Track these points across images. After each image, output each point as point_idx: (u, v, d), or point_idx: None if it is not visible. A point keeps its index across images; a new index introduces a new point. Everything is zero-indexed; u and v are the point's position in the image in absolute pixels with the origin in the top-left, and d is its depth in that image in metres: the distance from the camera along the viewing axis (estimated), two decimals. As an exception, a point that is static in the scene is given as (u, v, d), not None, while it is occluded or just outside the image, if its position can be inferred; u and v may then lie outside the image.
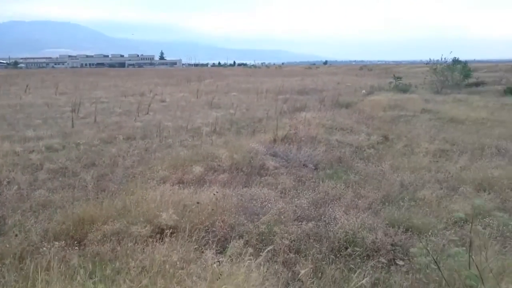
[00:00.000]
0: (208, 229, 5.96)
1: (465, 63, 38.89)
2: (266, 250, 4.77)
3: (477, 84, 34.81)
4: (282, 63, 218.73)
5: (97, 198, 7.23)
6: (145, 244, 5.33)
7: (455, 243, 5.94)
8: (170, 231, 5.54)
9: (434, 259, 2.41)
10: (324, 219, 6.55)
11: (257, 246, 5.52)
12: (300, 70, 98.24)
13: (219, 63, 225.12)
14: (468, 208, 7.29)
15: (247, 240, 5.71)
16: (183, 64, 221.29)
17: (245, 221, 6.31)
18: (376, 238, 5.87)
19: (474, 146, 12.03)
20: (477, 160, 10.55)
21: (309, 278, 4.73)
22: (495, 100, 23.54)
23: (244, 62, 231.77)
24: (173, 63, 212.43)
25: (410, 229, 6.35)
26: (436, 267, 3.69)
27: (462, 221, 6.70)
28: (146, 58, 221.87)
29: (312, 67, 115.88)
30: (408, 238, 6.08)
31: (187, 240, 5.25)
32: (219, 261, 4.52)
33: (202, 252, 5.05)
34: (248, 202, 7.27)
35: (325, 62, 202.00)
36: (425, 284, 4.56)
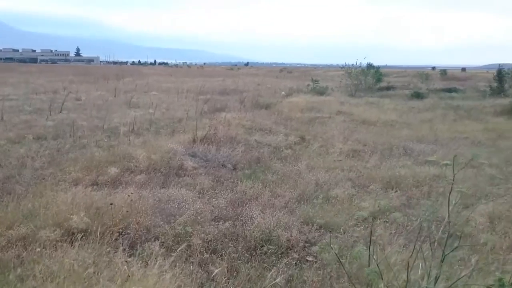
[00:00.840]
0: (122, 232, 5.80)
1: (377, 68, 41.13)
2: (179, 249, 4.73)
3: (388, 88, 36.95)
4: (204, 63, 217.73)
5: (2, 201, 6.76)
6: (54, 248, 5.07)
7: (364, 239, 6.30)
8: (81, 234, 5.32)
9: (336, 255, 2.52)
10: (241, 218, 6.62)
11: (173, 247, 5.46)
12: (221, 70, 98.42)
13: (139, 61, 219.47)
14: (376, 205, 7.73)
15: (163, 242, 5.63)
16: (101, 61, 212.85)
17: (161, 223, 6.22)
18: (291, 236, 6.04)
19: (384, 147, 12.74)
20: (386, 160, 11.20)
21: (224, 277, 4.76)
22: (403, 103, 25.09)
23: (166, 61, 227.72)
24: (90, 60, 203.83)
25: (323, 227, 6.60)
26: (342, 264, 3.86)
27: (370, 218, 7.09)
28: (60, 54, 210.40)
29: (233, 68, 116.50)
30: (321, 235, 6.31)
31: (98, 243, 5.07)
32: (130, 263, 4.41)
33: (114, 255, 4.90)
34: (165, 203, 7.17)
35: (247, 64, 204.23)
36: (336, 279, 4.77)
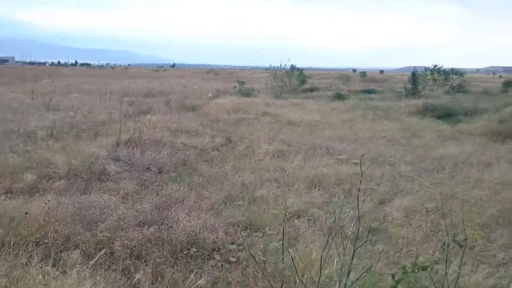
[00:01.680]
0: (38, 242, 5.52)
1: (301, 70, 42.26)
2: (98, 255, 4.59)
3: (311, 90, 38.06)
4: (129, 65, 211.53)
5: None
6: (-39, 263, 4.72)
7: (289, 236, 6.46)
8: (-7, 247, 5.01)
9: (251, 254, 2.58)
10: (167, 222, 6.54)
11: (94, 255, 5.28)
12: (147, 72, 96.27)
13: (58, 62, 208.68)
14: (300, 204, 7.95)
15: (83, 250, 5.43)
16: (16, 62, 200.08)
17: (82, 230, 5.99)
18: (217, 238, 6.06)
19: (308, 147, 13.11)
20: (310, 159, 11.53)
21: (148, 283, 4.68)
22: (326, 104, 25.96)
23: (88, 62, 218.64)
24: (5, 61, 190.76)
25: (248, 227, 6.69)
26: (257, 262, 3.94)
27: (295, 216, 7.29)
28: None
29: (160, 70, 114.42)
30: (247, 235, 6.39)
31: (12, 254, 4.79)
32: (47, 273, 4.22)
33: (30, 266, 4.65)
34: (87, 209, 6.92)
35: (173, 65, 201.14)
36: (262, 278, 4.85)
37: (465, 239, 2.79)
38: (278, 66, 36.57)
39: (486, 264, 5.77)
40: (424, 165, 11.24)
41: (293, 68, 40.06)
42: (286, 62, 37.79)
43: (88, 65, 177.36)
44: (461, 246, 2.67)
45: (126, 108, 19.56)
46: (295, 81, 37.93)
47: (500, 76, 59.42)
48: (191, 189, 8.49)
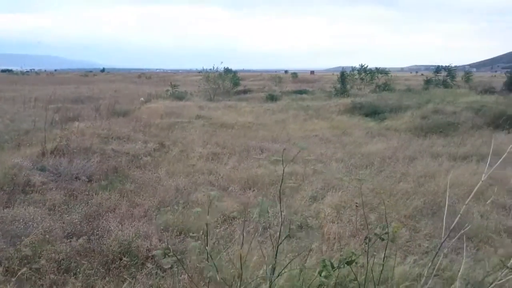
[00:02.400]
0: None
1: (234, 72, 42.43)
2: (20, 272, 4.35)
3: (245, 92, 38.30)
4: (55, 70, 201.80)
5: None
6: None
7: (225, 239, 6.47)
8: None
9: (178, 258, 2.55)
10: (97, 232, 6.32)
11: (19, 272, 5.00)
12: (75, 77, 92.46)
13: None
14: (236, 205, 7.98)
15: (7, 267, 5.12)
16: None
17: (5, 246, 5.65)
18: (151, 245, 5.94)
19: (242, 148, 13.17)
20: (244, 161, 11.59)
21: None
22: (259, 106, 26.21)
23: (9, 68, 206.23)
24: None
25: (183, 232, 6.61)
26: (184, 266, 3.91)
27: (230, 219, 7.30)
28: None
29: (88, 75, 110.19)
30: (182, 240, 6.32)
31: None
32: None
33: None
34: (10, 224, 6.53)
35: (103, 70, 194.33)
36: (190, 283, 4.81)
37: (386, 232, 2.90)
38: (211, 69, 36.48)
39: (413, 254, 6.07)
40: (353, 162, 11.65)
41: (226, 70, 40.14)
42: (219, 64, 37.83)
43: (9, 71, 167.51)
44: (382, 240, 2.78)
45: (52, 116, 18.70)
46: (229, 84, 38.03)
47: (422, 74, 62.89)
48: (123, 197, 8.26)
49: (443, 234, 3.05)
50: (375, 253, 4.88)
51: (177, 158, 11.95)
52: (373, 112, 21.66)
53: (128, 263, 5.44)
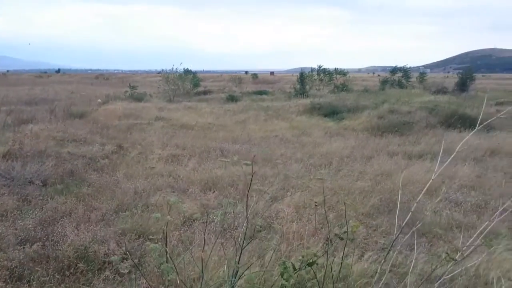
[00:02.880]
0: None
1: (194, 73, 42.20)
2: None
3: (205, 93, 38.15)
4: (8, 71, 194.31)
5: None
6: None
7: (185, 241, 6.42)
8: None
9: (134, 262, 2.53)
10: (52, 238, 6.14)
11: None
12: (29, 78, 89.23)
13: None
14: (195, 208, 7.94)
15: (-45, 278, 4.91)
16: None
17: (-48, 255, 5.41)
18: (109, 249, 5.83)
19: (202, 149, 13.11)
20: (204, 162, 11.55)
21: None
22: (219, 107, 26.15)
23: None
24: None
25: (142, 235, 6.53)
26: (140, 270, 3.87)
27: (190, 221, 7.27)
28: None
29: (43, 76, 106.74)
30: (141, 244, 6.23)
31: None
32: None
33: None
34: (-42, 232, 6.26)
35: (58, 71, 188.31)
36: (157, 285, 4.77)
37: (345, 232, 2.96)
38: (170, 70, 36.10)
39: (370, 251, 6.22)
40: (313, 161, 11.81)
41: (186, 71, 39.84)
42: (178, 65, 37.48)
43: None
44: (341, 239, 2.84)
45: (4, 118, 18.04)
46: (189, 85, 37.77)
47: (379, 75, 64.47)
48: (80, 201, 8.06)
49: (395, 231, 3.15)
50: (335, 252, 4.99)
51: (136, 160, 11.78)
52: (331, 112, 22.03)
53: (85, 268, 5.32)
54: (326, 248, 2.94)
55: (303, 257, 2.83)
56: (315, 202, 7.64)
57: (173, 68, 36.20)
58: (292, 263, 2.73)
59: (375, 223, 7.55)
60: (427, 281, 4.14)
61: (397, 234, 2.97)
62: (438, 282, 3.14)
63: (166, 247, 2.59)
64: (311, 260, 2.81)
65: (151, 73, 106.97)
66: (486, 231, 3.19)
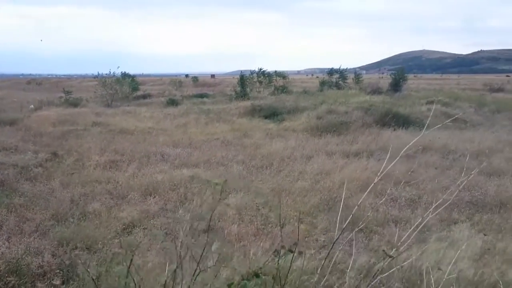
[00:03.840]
0: None
1: (133, 76, 41.27)
2: None
3: (144, 97, 37.35)
4: None
5: None
6: None
7: (125, 248, 6.27)
8: None
9: (66, 273, 2.45)
10: (-19, 252, 5.81)
11: None
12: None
13: None
14: (135, 214, 7.78)
15: None
16: None
17: None
18: (43, 262, 5.59)
19: (141, 155, 12.84)
20: (144, 167, 11.34)
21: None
22: (160, 111, 25.73)
23: None
24: None
25: (79, 245, 6.31)
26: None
27: (130, 227, 7.11)
28: None
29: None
30: (77, 254, 6.02)
31: None
32: None
33: None
34: None
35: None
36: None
37: (295, 243, 2.90)
38: (107, 74, 35.05)
39: (311, 249, 6.34)
40: (254, 163, 11.90)
41: (124, 75, 38.88)
42: (116, 69, 36.49)
43: None
44: (291, 251, 2.81)
45: None
46: (127, 89, 36.89)
47: (317, 77, 65.94)
48: (11, 212, 7.68)
49: (337, 229, 3.22)
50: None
51: (72, 167, 11.37)
52: (272, 114, 22.29)
53: (16, 282, 5.07)
54: (277, 260, 2.88)
55: (249, 268, 2.77)
56: (256, 204, 7.75)
57: (110, 72, 35.22)
58: (242, 275, 2.70)
59: (315, 221, 7.71)
60: (367, 276, 4.30)
61: (339, 233, 3.04)
62: (376, 279, 3.25)
63: (129, 268, 2.49)
64: (259, 272, 2.76)
65: (88, 77, 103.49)
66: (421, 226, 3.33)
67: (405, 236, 3.23)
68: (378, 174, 3.17)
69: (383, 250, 3.13)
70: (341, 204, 3.24)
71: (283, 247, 2.82)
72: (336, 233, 3.16)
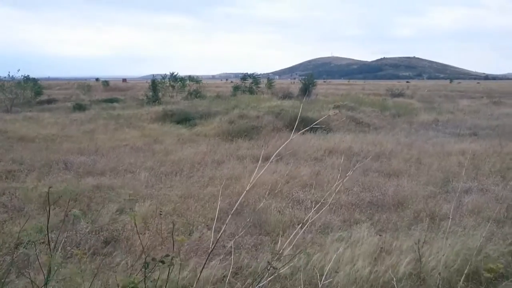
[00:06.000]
0: None
1: (37, 80, 38.89)
2: None
3: (49, 102, 35.33)
4: None
5: None
6: None
7: (18, 265, 5.85)
8: None
9: None
10: None
11: None
12: None
13: None
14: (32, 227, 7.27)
15: None
16: None
17: None
18: None
19: (42, 163, 12.07)
20: (45, 177, 10.67)
21: None
22: (65, 116, 24.44)
23: None
24: None
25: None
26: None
27: (26, 243, 6.63)
28: None
29: None
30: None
31: None
32: None
33: None
34: None
35: None
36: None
37: (167, 255, 2.78)
38: (6, 77, 32.69)
39: (218, 255, 6.30)
40: (164, 169, 11.67)
41: (26, 78, 36.54)
42: (15, 72, 34.18)
43: None
44: (163, 263, 2.71)
45: None
46: (29, 93, 34.68)
47: (231, 82, 66.45)
48: None
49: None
50: (182, 262, 4.95)
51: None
52: (184, 119, 22.07)
53: None
54: (144, 273, 2.76)
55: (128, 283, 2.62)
56: (160, 211, 7.60)
57: (9, 75, 32.89)
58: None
59: (223, 226, 7.68)
60: (273, 280, 4.36)
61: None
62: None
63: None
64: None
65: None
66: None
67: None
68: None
69: (268, 262, 3.18)
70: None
71: (153, 259, 2.71)
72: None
